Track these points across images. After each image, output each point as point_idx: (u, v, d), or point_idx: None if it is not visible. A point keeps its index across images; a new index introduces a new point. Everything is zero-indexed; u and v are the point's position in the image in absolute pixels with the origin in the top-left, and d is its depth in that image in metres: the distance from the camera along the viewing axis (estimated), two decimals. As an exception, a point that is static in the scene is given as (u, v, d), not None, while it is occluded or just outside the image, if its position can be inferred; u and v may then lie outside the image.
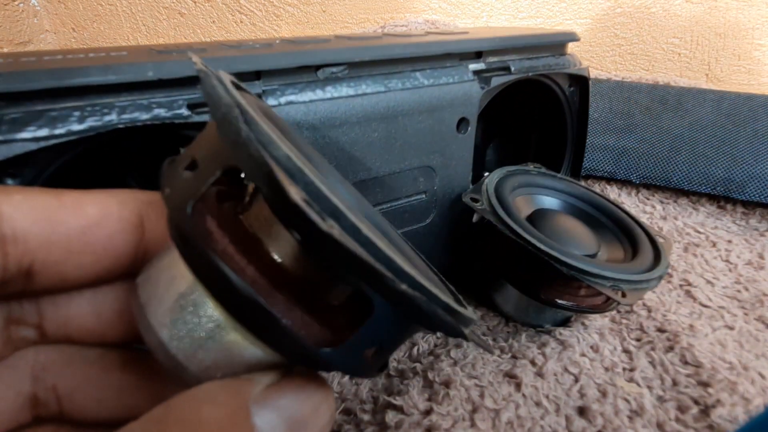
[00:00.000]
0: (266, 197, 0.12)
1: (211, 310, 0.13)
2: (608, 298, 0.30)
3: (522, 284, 0.31)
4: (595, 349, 0.30)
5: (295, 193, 0.11)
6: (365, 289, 0.12)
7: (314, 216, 0.11)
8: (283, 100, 0.24)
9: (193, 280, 0.14)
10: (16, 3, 0.86)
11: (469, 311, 0.14)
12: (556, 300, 0.30)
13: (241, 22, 0.90)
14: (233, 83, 0.16)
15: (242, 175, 0.14)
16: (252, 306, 0.12)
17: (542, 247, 0.27)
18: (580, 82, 0.39)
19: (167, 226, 0.14)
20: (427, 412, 0.25)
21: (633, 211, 0.34)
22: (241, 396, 0.13)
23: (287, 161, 0.11)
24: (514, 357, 0.29)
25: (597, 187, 0.51)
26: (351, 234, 0.11)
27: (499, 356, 0.29)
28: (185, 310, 0.14)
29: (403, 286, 0.12)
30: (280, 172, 0.11)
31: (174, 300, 0.14)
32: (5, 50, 0.82)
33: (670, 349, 0.30)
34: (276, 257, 0.14)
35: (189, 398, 0.12)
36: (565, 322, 0.32)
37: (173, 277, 0.14)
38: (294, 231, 0.12)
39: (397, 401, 0.25)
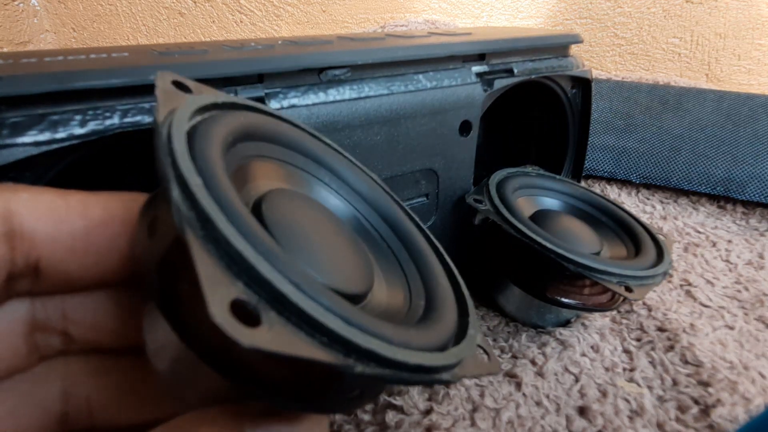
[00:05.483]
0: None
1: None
2: (613, 296, 0.30)
3: (527, 284, 0.31)
4: (595, 348, 0.30)
5: (217, 309, 0.10)
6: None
7: (231, 332, 0.10)
8: (285, 103, 0.24)
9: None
10: (16, 3, 0.86)
11: (474, 329, 0.14)
12: (562, 299, 0.30)
13: (241, 22, 0.90)
14: (212, 105, 0.15)
15: None
16: (243, 378, 0.12)
17: (548, 245, 0.27)
18: (583, 83, 0.38)
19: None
20: (427, 412, 0.25)
21: (633, 211, 0.34)
22: (238, 420, 0.13)
23: (226, 246, 0.11)
24: (514, 357, 0.29)
25: (597, 187, 0.52)
26: (300, 323, 0.11)
27: (499, 356, 0.29)
28: (179, 363, 0.14)
29: (359, 369, 0.11)
30: (206, 279, 0.10)
31: (169, 349, 0.14)
32: (5, 50, 0.82)
33: (671, 348, 0.30)
34: None
35: (189, 420, 0.13)
36: (566, 323, 0.32)
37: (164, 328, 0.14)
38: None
39: (397, 401, 0.26)
